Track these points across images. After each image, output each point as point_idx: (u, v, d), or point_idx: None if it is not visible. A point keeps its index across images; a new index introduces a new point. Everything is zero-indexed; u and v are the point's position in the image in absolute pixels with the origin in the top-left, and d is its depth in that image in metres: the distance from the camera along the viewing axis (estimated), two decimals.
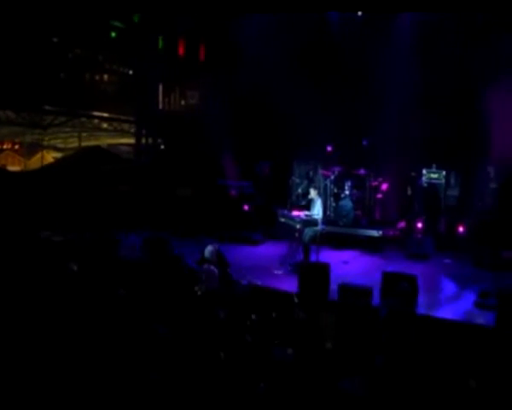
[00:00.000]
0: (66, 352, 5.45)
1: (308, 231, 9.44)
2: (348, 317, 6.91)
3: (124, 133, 21.76)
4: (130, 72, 19.30)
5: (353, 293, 7.68)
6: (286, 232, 11.20)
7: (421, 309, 7.59)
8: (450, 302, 8.13)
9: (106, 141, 22.96)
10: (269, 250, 11.14)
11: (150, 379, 4.92)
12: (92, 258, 9.82)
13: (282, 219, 9.92)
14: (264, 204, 12.59)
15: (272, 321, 6.05)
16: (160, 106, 17.76)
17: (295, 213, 9.97)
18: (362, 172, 11.71)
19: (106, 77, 19.47)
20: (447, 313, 7.64)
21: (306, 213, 9.61)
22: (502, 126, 10.73)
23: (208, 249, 8.54)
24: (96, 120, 20.98)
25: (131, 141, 20.10)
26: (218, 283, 7.65)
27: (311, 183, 12.20)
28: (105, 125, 22.03)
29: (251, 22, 13.42)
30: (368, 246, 11.10)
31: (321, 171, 12.22)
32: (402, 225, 11.84)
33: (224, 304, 6.81)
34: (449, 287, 8.84)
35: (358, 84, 12.28)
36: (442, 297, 8.32)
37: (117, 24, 16.97)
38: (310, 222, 9.38)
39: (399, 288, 7.40)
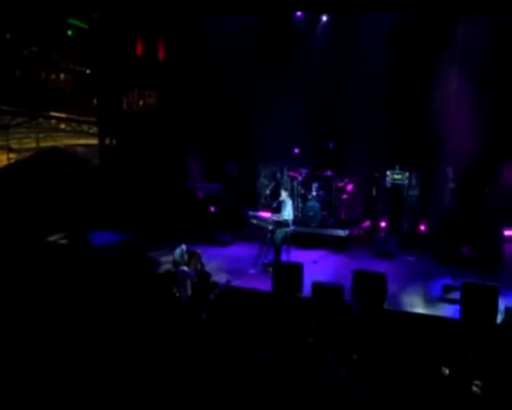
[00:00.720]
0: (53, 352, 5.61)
1: (279, 232, 9.81)
2: (323, 313, 7.31)
3: (82, 134, 21.59)
4: (88, 71, 19.21)
5: (326, 290, 8.09)
6: (255, 233, 11.63)
7: (390, 305, 8.09)
8: (417, 297, 8.64)
9: (62, 142, 22.72)
10: (239, 251, 11.44)
11: (134, 380, 5.13)
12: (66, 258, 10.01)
13: (254, 221, 10.24)
14: (233, 206, 12.88)
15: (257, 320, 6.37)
16: (120, 106, 17.74)
17: (265, 214, 10.34)
18: (328, 173, 12.16)
19: (62, 76, 19.34)
20: (414, 307, 8.17)
21: (277, 214, 9.98)
22: (459, 129, 11.39)
23: (177, 252, 8.84)
24: (53, 121, 20.74)
25: (90, 142, 19.99)
26: (192, 283, 7.98)
27: (279, 184, 12.61)
28: (63, 126, 21.83)
29: (215, 22, 13.61)
30: (335, 245, 11.57)
31: (288, 172, 12.60)
32: (366, 224, 12.39)
33: (205, 305, 7.11)
34: (414, 283, 9.36)
35: (324, 88, 12.71)
36: (409, 293, 8.82)
37: (74, 22, 16.85)
38: (281, 223, 9.76)
39: (370, 286, 7.88)
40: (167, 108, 15.58)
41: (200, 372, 5.25)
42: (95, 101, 18.40)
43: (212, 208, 13.56)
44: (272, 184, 12.17)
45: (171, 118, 15.06)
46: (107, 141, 17.88)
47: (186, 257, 8.74)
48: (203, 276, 7.43)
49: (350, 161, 12.20)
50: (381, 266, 9.73)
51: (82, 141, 22.02)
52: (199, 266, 8.53)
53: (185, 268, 8.43)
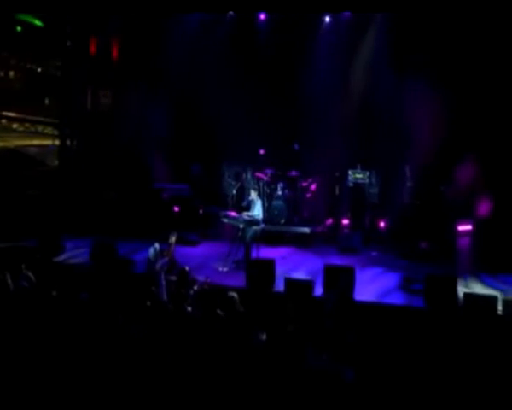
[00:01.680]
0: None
1: (250, 230, 10.31)
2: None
3: (34, 134, 21.34)
4: (39, 69, 19.08)
5: (297, 285, 8.65)
6: (222, 233, 12.12)
7: (358, 296, 8.73)
8: (382, 289, 9.32)
9: (13, 142, 22.36)
10: (207, 250, 11.85)
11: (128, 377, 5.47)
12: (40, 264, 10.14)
13: (225, 220, 10.70)
14: (200, 206, 13.28)
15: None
16: (79, 106, 17.75)
17: (233, 213, 10.83)
18: (293, 173, 12.74)
19: (12, 74, 19.14)
20: (381, 298, 8.84)
21: (248, 213, 10.49)
22: (416, 130, 12.13)
23: (151, 251, 9.26)
24: (3, 120, 20.46)
25: (43, 142, 19.82)
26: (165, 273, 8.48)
27: (247, 185, 13.17)
28: (15, 126, 21.52)
29: (176, 22, 13.81)
30: (300, 242, 12.17)
31: (255, 173, 13.11)
32: (329, 222, 13.04)
33: (186, 300, 7.53)
34: (379, 276, 10.05)
35: (287, 90, 13.27)
36: (374, 285, 9.49)
37: (23, 18, 16.71)
38: (252, 221, 10.26)
39: (340, 279, 8.49)
40: (128, 108, 15.80)
41: (193, 362, 5.68)
42: (47, 100, 18.45)
43: (177, 209, 13.90)
44: (238, 185, 12.63)
45: (132, 119, 15.29)
46: (68, 142, 17.93)
47: (159, 254, 9.20)
48: (184, 273, 7.85)
49: (313, 162, 12.80)
50: (346, 261, 10.36)
51: (35, 142, 21.82)
52: (171, 250, 9.04)
53: (158, 263, 8.89)
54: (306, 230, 12.17)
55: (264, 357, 5.74)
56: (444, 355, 6.14)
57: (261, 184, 12.89)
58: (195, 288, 7.78)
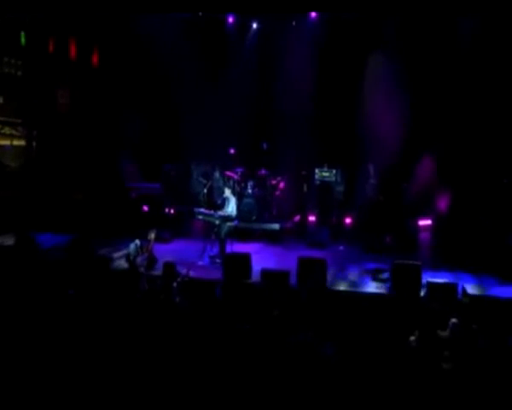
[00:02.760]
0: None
1: (224, 226, 10.92)
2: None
3: None
4: None
5: (273, 276, 9.30)
6: (194, 230, 12.70)
7: (331, 286, 9.46)
8: (353, 279, 10.10)
9: None
10: (180, 246, 12.34)
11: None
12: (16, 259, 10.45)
13: (200, 217, 11.26)
14: (172, 204, 13.80)
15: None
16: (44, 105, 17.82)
17: (208, 211, 11.43)
18: (262, 172, 13.44)
19: None
20: (352, 287, 9.61)
21: (222, 210, 11.09)
22: (378, 130, 12.97)
23: (132, 247, 9.76)
24: None
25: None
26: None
27: (216, 184, 13.77)
28: None
29: (145, 20, 14.07)
30: (270, 238, 12.85)
31: (225, 172, 13.71)
32: (297, 218, 13.77)
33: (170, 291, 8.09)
34: (348, 268, 10.83)
35: (255, 91, 13.96)
36: (345, 276, 10.26)
37: None
38: (226, 218, 10.87)
39: (314, 270, 9.20)
40: (94, 108, 16.12)
41: (187, 345, 6.26)
42: (1, 99, 18.45)
43: (146, 208, 14.37)
44: (209, 183, 13.21)
45: (101, 117, 15.64)
46: (33, 142, 18.00)
47: (140, 251, 9.73)
48: (170, 266, 8.39)
49: (282, 161, 13.52)
50: (315, 255, 11.06)
51: None
52: (150, 246, 9.57)
53: (139, 259, 9.42)
54: (276, 226, 12.85)
55: (252, 337, 6.39)
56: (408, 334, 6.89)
57: (231, 182, 13.50)
58: (178, 280, 8.36)
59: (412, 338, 6.37)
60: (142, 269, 9.39)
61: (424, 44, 13.05)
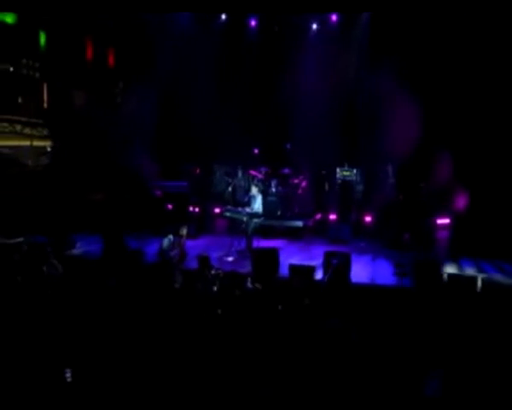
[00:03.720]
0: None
1: (251, 223, 11.61)
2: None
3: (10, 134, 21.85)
4: (11, 68, 19.72)
5: (300, 270, 9.96)
6: (217, 227, 13.41)
7: (354, 279, 10.12)
8: (375, 273, 10.75)
9: None
10: (207, 242, 13.03)
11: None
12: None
13: (228, 214, 11.96)
14: (197, 202, 14.53)
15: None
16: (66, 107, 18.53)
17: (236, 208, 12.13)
18: (286, 171, 14.14)
19: None
20: (375, 280, 10.27)
21: (249, 207, 11.79)
22: (397, 132, 13.56)
23: (165, 241, 10.45)
24: None
25: (16, 143, 20.43)
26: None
27: (238, 183, 14.49)
28: None
29: (166, 24, 15.04)
30: (293, 235, 13.53)
31: (249, 171, 14.42)
32: (318, 216, 14.45)
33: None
34: (371, 262, 11.48)
35: (279, 92, 14.57)
36: (368, 270, 10.92)
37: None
38: (253, 215, 11.57)
39: (334, 263, 9.86)
40: (118, 109, 16.83)
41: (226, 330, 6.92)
42: (20, 100, 19.16)
43: (170, 206, 15.08)
44: (233, 182, 13.88)
45: (123, 120, 16.32)
46: (56, 143, 18.72)
47: (172, 246, 10.43)
48: (206, 259, 9.08)
49: (304, 160, 14.20)
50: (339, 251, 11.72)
51: (7, 142, 22.35)
52: (182, 241, 10.27)
53: (171, 253, 10.12)
54: (299, 223, 13.52)
55: (286, 323, 7.07)
56: (430, 325, 7.51)
57: (255, 181, 14.20)
58: (212, 272, 9.05)
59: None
60: (174, 262, 10.07)
61: (440, 41, 13.58)
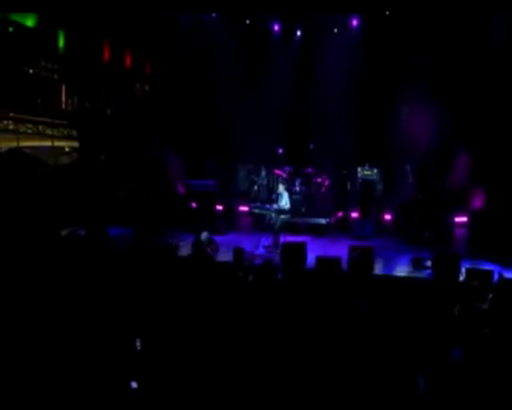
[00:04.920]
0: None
1: (278, 219, 12.53)
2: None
3: (31, 135, 22.81)
4: (31, 70, 20.62)
5: (327, 262, 10.86)
6: (242, 224, 14.33)
7: (377, 271, 11.02)
8: (397, 265, 11.64)
9: (7, 144, 23.78)
10: (235, 238, 13.92)
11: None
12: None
13: (256, 210, 12.89)
14: (224, 200, 15.48)
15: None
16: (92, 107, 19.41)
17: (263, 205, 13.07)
18: (309, 170, 15.04)
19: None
20: (397, 272, 11.15)
21: (277, 204, 12.71)
22: (416, 132, 14.42)
23: (204, 235, 11.36)
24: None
25: (39, 143, 21.38)
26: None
27: (261, 181, 15.43)
28: (11, 127, 22.98)
29: (192, 23, 15.99)
30: (316, 232, 14.43)
31: (274, 170, 15.35)
32: (340, 214, 15.34)
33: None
34: (393, 256, 12.37)
35: (302, 94, 15.55)
36: (390, 263, 11.81)
37: (15, 18, 18.09)
38: (281, 211, 12.49)
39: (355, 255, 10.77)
40: (143, 107, 17.76)
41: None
42: (39, 100, 20.06)
43: (194, 204, 16.02)
44: (259, 181, 14.80)
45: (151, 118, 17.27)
46: (81, 143, 19.64)
47: (209, 241, 11.35)
48: (240, 250, 9.99)
49: (326, 160, 15.11)
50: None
51: (30, 143, 23.30)
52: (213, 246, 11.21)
53: (209, 249, 11.05)
54: (322, 221, 14.42)
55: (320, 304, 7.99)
56: (447, 314, 8.34)
57: (280, 180, 15.12)
58: (246, 263, 9.98)
59: (456, 309, 7.89)
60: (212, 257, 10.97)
61: (460, 43, 14.38)
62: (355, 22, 16.01)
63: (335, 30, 16.10)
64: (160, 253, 11.78)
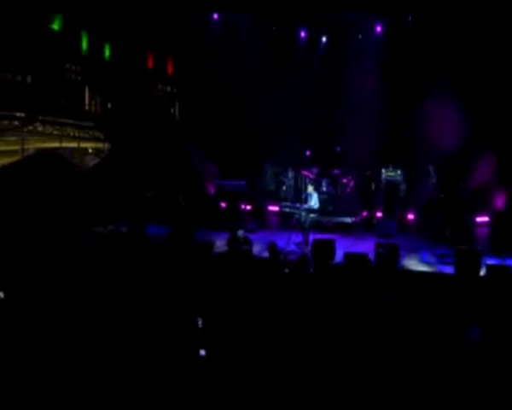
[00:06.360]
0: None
1: (308, 218, 13.61)
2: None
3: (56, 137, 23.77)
4: (56, 73, 21.57)
5: (355, 258, 11.90)
6: (271, 223, 15.41)
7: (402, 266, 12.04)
8: (420, 261, 12.65)
9: (35, 145, 24.89)
10: (265, 236, 14.97)
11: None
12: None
13: (287, 209, 13.99)
14: (250, 200, 16.57)
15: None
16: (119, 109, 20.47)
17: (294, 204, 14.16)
18: (335, 172, 16.11)
19: (29, 78, 21.74)
20: (421, 267, 12.18)
21: (306, 204, 13.79)
22: (438, 134, 15.32)
23: (240, 233, 12.46)
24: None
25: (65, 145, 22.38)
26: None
27: (288, 182, 16.55)
28: (40, 129, 24.06)
29: (222, 21, 17.12)
30: (342, 230, 15.47)
31: (302, 171, 16.43)
32: (365, 214, 16.38)
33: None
34: (416, 253, 13.38)
35: (328, 98, 16.61)
36: (414, 258, 12.83)
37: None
38: (311, 211, 13.57)
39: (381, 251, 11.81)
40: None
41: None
42: (63, 103, 21.11)
43: (223, 204, 17.10)
44: (289, 181, 15.92)
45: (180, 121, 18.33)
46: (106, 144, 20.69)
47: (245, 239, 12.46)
48: (274, 245, 11.07)
49: (352, 162, 16.17)
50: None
51: (53, 144, 24.27)
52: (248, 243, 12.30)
53: (245, 246, 12.16)
54: (348, 219, 15.47)
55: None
56: (470, 307, 9.30)
57: (307, 180, 16.21)
58: (281, 256, 11.08)
59: None
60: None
61: (484, 44, 15.24)
62: (379, 28, 17.02)
63: (360, 36, 17.10)
64: (197, 249, 12.86)
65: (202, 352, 5.89)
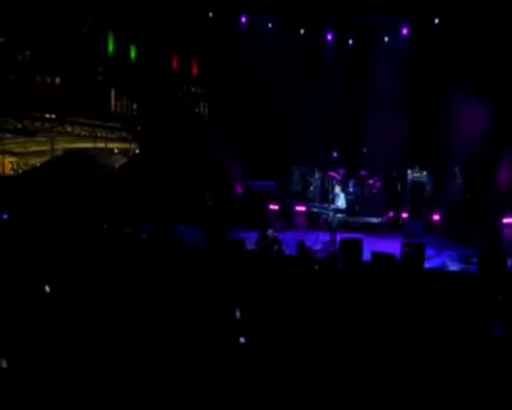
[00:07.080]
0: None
1: (335, 218, 14.19)
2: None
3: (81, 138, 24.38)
4: (85, 75, 22.19)
5: (382, 257, 12.43)
6: (297, 222, 15.98)
7: (428, 265, 12.53)
8: (445, 260, 13.14)
9: (63, 145, 25.56)
10: (293, 235, 15.56)
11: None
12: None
13: (315, 209, 14.57)
14: (277, 200, 17.14)
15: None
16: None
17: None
18: (362, 173, 16.64)
19: (58, 80, 22.49)
20: (445, 267, 12.67)
21: (334, 204, 14.37)
22: (464, 135, 15.75)
23: (270, 232, 13.07)
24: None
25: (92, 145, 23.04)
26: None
27: (315, 182, 17.14)
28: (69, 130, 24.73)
29: (251, 22, 17.72)
30: (369, 230, 15.99)
31: (329, 172, 16.99)
32: (391, 214, 16.88)
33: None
34: (442, 253, 13.84)
35: (355, 100, 17.12)
36: (440, 258, 13.32)
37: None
38: (338, 211, 14.14)
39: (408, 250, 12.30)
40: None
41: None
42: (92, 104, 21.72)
43: (251, 204, 17.66)
44: (316, 182, 16.51)
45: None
46: (136, 145, 21.38)
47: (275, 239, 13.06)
48: (303, 244, 11.67)
49: (378, 162, 16.70)
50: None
51: (82, 144, 24.93)
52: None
53: (275, 246, 12.77)
54: (375, 220, 16.00)
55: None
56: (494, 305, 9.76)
57: (334, 181, 16.77)
58: (310, 255, 11.68)
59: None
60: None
61: (508, 44, 15.65)
62: (405, 31, 17.50)
63: (386, 38, 17.60)
64: (229, 246, 13.42)
65: (242, 339, 6.51)
